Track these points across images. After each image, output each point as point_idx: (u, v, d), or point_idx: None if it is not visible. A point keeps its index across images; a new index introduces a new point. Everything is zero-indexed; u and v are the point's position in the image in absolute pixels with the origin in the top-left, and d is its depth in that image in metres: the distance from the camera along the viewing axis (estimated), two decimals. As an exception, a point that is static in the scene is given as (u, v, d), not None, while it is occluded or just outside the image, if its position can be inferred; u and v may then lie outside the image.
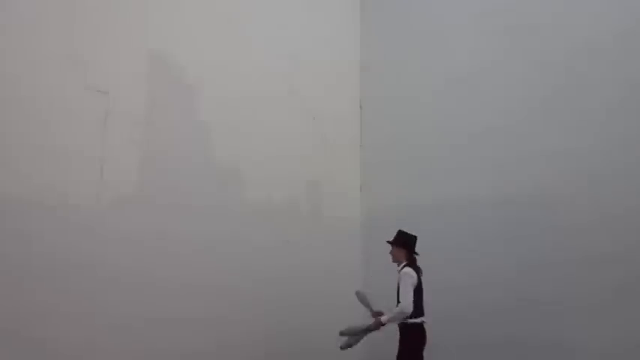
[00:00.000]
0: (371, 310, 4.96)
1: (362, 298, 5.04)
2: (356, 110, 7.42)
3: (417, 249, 4.92)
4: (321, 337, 6.15)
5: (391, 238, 5.00)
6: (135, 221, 4.93)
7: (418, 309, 4.70)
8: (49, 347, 4.30)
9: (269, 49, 6.32)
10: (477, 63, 6.34)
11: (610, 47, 5.41)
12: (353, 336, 4.80)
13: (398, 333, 4.76)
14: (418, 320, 4.70)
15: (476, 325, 5.82)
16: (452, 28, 6.67)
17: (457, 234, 6.14)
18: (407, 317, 4.64)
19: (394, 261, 4.97)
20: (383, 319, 4.72)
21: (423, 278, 4.84)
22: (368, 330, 4.80)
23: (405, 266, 4.81)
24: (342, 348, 4.80)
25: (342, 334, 4.81)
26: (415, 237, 4.96)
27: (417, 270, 4.82)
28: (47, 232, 4.39)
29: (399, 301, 4.70)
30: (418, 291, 4.75)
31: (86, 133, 4.72)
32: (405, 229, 5.02)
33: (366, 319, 4.92)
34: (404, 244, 4.92)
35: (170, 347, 5.02)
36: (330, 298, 6.34)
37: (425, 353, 4.72)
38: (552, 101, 5.72)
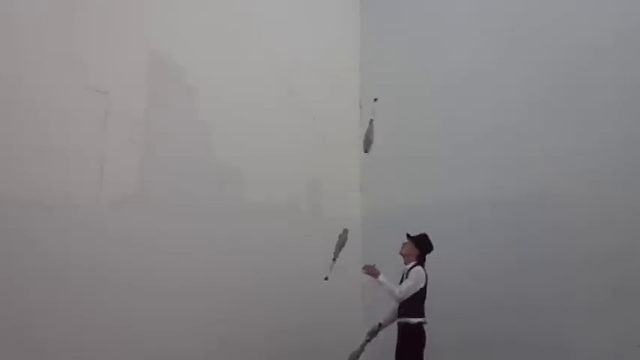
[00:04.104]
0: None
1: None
2: (356, 110, 7.42)
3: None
4: (321, 337, 6.16)
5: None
6: (135, 221, 4.92)
7: (420, 309, 4.72)
8: (49, 347, 4.31)
9: (269, 49, 6.31)
10: (478, 63, 6.33)
11: (611, 48, 5.41)
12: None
13: (397, 333, 4.77)
14: (420, 320, 4.71)
15: (476, 326, 5.82)
16: (452, 28, 6.67)
17: (457, 234, 6.12)
18: (403, 315, 4.71)
19: (401, 253, 4.97)
20: (380, 277, 4.78)
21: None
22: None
23: (416, 265, 4.83)
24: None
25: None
26: (432, 247, 4.96)
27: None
28: (47, 232, 4.39)
29: None
30: (423, 292, 4.76)
31: (86, 133, 4.72)
32: (407, 230, 5.01)
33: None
34: (420, 246, 4.93)
35: (170, 347, 5.02)
36: (329, 297, 6.33)
37: (424, 353, 4.72)
38: (553, 102, 5.72)
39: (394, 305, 4.87)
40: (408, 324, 4.70)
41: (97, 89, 4.80)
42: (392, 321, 4.93)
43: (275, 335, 5.84)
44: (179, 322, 5.10)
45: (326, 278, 5.05)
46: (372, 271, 4.85)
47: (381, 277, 4.78)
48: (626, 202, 5.16)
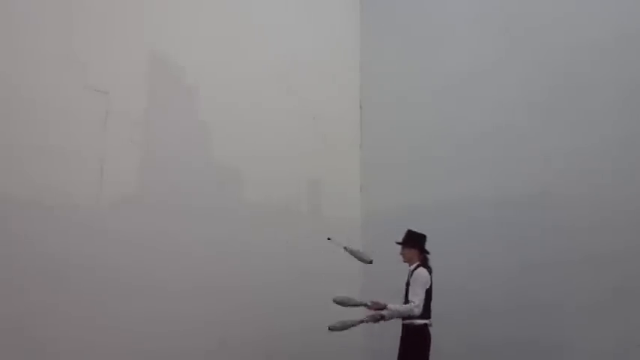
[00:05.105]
0: (364, 304, 4.79)
1: (344, 300, 4.84)
2: (356, 110, 7.42)
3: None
4: (321, 338, 6.15)
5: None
6: (134, 221, 4.92)
7: (426, 310, 4.68)
8: (49, 347, 4.30)
9: (269, 49, 6.32)
10: (478, 63, 6.33)
11: (611, 48, 5.41)
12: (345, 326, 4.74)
13: (400, 333, 4.74)
14: (425, 321, 4.67)
15: (476, 326, 5.81)
16: (452, 28, 6.67)
17: (457, 234, 6.12)
18: (414, 318, 4.62)
19: (405, 261, 4.90)
20: (390, 306, 4.62)
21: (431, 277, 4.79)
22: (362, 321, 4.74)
23: (418, 266, 4.78)
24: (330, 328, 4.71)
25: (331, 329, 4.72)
26: (425, 236, 4.91)
27: (430, 270, 4.80)
28: (47, 232, 4.39)
29: (406, 300, 4.69)
30: (428, 292, 4.72)
31: (86, 133, 4.72)
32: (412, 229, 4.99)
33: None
34: (414, 244, 4.88)
35: (170, 347, 5.02)
36: (329, 298, 6.32)
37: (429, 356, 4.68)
38: (553, 102, 5.72)
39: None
40: (412, 325, 4.65)
41: (96, 89, 4.80)
42: (392, 317, 4.76)
43: (275, 335, 5.84)
44: (179, 322, 5.10)
45: (329, 238, 5.08)
46: (377, 306, 4.69)
47: (389, 306, 4.64)
48: (626, 202, 5.16)
